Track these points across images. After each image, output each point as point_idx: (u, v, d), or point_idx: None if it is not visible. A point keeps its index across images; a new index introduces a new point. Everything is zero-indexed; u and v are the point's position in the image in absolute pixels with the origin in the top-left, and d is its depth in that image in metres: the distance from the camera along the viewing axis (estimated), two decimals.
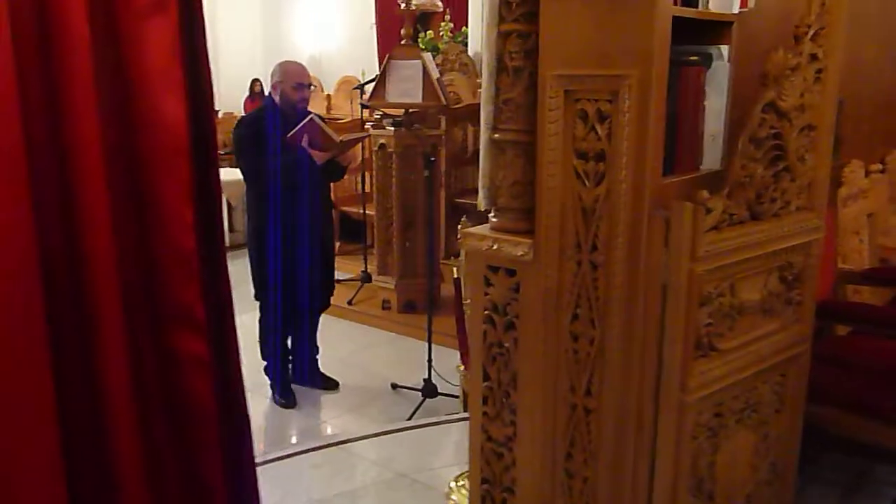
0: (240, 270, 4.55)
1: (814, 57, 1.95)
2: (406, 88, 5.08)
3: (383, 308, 5.48)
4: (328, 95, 10.24)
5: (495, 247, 1.95)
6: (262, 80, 10.22)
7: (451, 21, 7.39)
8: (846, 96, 2.14)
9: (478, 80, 6.20)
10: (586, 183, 1.79)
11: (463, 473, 3.01)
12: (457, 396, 3.89)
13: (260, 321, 4.16)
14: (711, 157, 1.97)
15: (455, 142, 5.96)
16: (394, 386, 4.30)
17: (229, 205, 7.42)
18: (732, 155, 1.82)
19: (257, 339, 4.17)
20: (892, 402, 2.51)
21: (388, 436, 3.68)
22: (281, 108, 3.91)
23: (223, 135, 9.27)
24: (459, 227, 2.62)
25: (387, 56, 5.25)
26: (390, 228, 5.39)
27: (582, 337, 1.86)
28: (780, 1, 2.11)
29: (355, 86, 6.41)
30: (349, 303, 5.54)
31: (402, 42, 5.32)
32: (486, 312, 2.01)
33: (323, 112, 8.91)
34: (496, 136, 1.94)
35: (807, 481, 2.62)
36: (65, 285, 1.38)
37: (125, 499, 1.44)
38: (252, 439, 1.76)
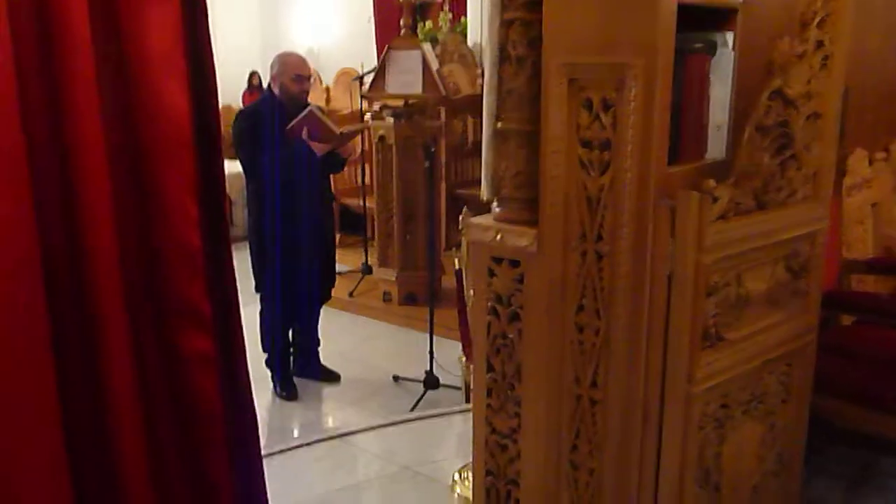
0: (240, 264, 4.53)
1: (820, 44, 1.92)
2: (405, 79, 5.06)
3: (384, 300, 5.47)
4: (327, 88, 10.20)
5: (499, 237, 1.93)
6: (260, 72, 10.17)
7: (450, 11, 7.35)
8: (850, 86, 2.12)
9: (477, 71, 6.17)
10: (591, 172, 1.77)
11: (466, 465, 3.00)
12: (459, 388, 3.88)
13: (261, 314, 4.15)
14: (717, 146, 1.95)
15: (455, 133, 5.94)
16: (395, 378, 4.29)
17: (229, 199, 7.40)
18: (738, 143, 1.80)
19: (258, 331, 4.15)
20: (895, 392, 2.50)
21: (391, 428, 3.67)
22: (280, 100, 3.89)
23: (222, 127, 9.25)
24: (461, 217, 2.61)
25: (386, 47, 5.22)
26: (391, 220, 5.38)
27: (587, 328, 1.85)
28: None
29: (354, 77, 6.38)
30: (350, 295, 5.53)
31: (402, 33, 5.29)
32: (489, 303, 1.99)
33: (322, 104, 8.87)
34: (499, 125, 1.92)
35: (812, 473, 2.61)
36: (67, 283, 1.36)
37: (129, 497, 1.42)
38: (259, 437, 1.75)
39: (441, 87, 5.05)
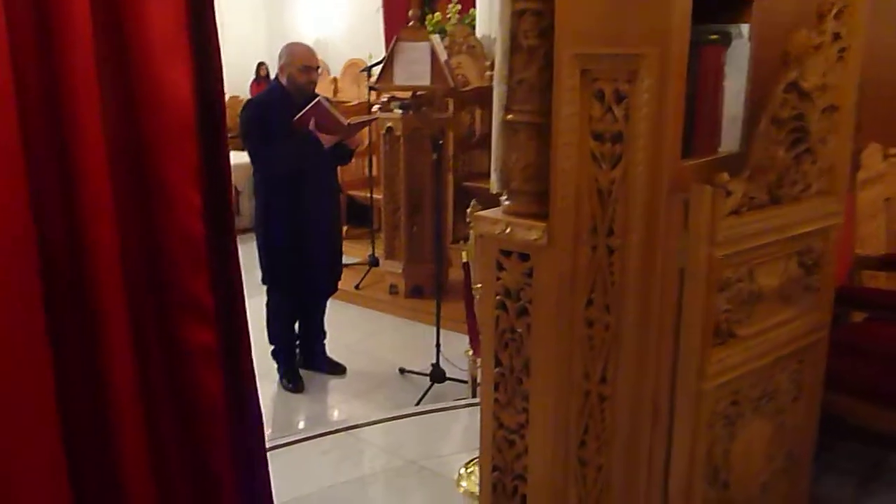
0: (246, 255, 4.52)
1: (837, 36, 1.89)
2: (414, 71, 5.03)
3: (390, 293, 5.45)
4: (334, 79, 10.17)
5: (508, 231, 1.91)
6: (267, 63, 10.16)
7: (458, 3, 7.31)
8: (865, 79, 2.09)
9: (486, 63, 6.14)
10: (602, 165, 1.74)
11: (473, 460, 2.99)
12: (465, 381, 3.86)
13: (267, 305, 4.13)
14: (731, 139, 1.92)
15: (463, 125, 5.91)
16: (401, 371, 4.28)
17: (235, 189, 7.39)
18: (753, 137, 1.77)
19: (264, 323, 4.14)
20: None
21: (397, 421, 3.65)
22: (288, 91, 3.87)
23: (229, 119, 9.24)
24: (469, 210, 2.58)
25: (394, 38, 5.19)
26: (398, 212, 5.35)
27: (597, 323, 1.82)
28: None
29: (362, 68, 6.35)
30: (356, 287, 5.51)
31: (410, 24, 5.26)
32: (498, 297, 1.97)
33: (330, 95, 8.85)
34: (510, 117, 1.89)
35: (822, 470, 2.58)
36: (66, 275, 1.33)
37: (130, 493, 1.40)
38: (264, 432, 1.72)
39: (449, 79, 5.02)
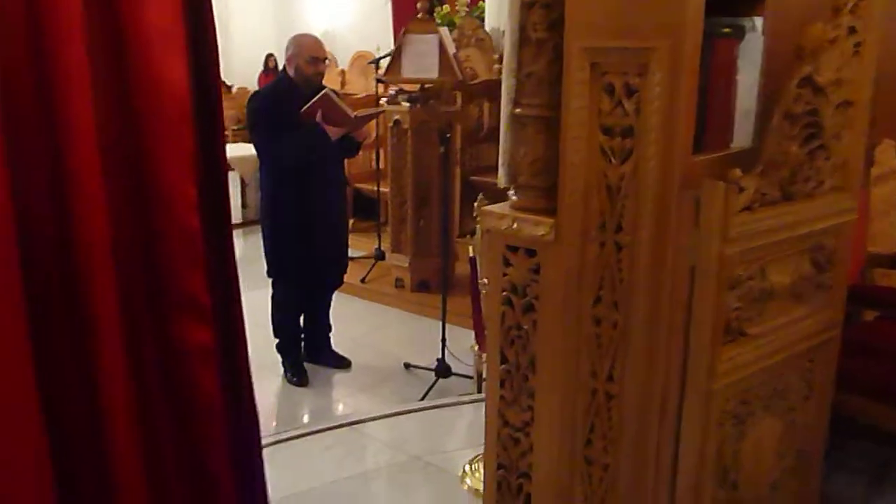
0: (253, 247, 4.52)
1: (852, 30, 1.86)
2: (422, 63, 4.99)
3: (396, 287, 5.43)
4: (342, 71, 10.14)
5: (515, 226, 1.88)
6: (276, 55, 10.14)
7: None
8: (879, 74, 2.05)
9: (494, 56, 6.09)
10: (612, 160, 1.71)
11: (477, 456, 2.97)
12: (471, 377, 3.84)
13: (272, 298, 4.12)
14: (743, 134, 1.88)
15: (471, 118, 5.87)
16: (407, 366, 4.26)
17: (243, 181, 7.39)
18: (766, 132, 1.74)
19: (270, 316, 4.13)
20: None
21: (401, 416, 3.64)
22: (295, 83, 3.84)
23: (237, 110, 9.21)
24: (476, 204, 2.56)
25: (402, 30, 5.15)
26: (404, 206, 5.33)
27: (604, 320, 1.80)
28: None
29: (370, 61, 6.32)
30: (362, 281, 5.49)
31: (418, 16, 5.23)
32: (504, 293, 1.94)
33: (337, 87, 8.82)
34: (518, 111, 1.86)
35: (832, 469, 2.55)
36: (56, 271, 1.28)
37: (124, 495, 1.37)
38: (260, 431, 1.69)
39: (458, 72, 4.98)
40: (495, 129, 1.99)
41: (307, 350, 4.30)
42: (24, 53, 1.22)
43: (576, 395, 1.88)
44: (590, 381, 1.85)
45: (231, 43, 11.82)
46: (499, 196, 2.03)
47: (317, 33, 4.53)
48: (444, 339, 4.04)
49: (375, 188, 6.16)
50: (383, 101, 5.53)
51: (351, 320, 4.83)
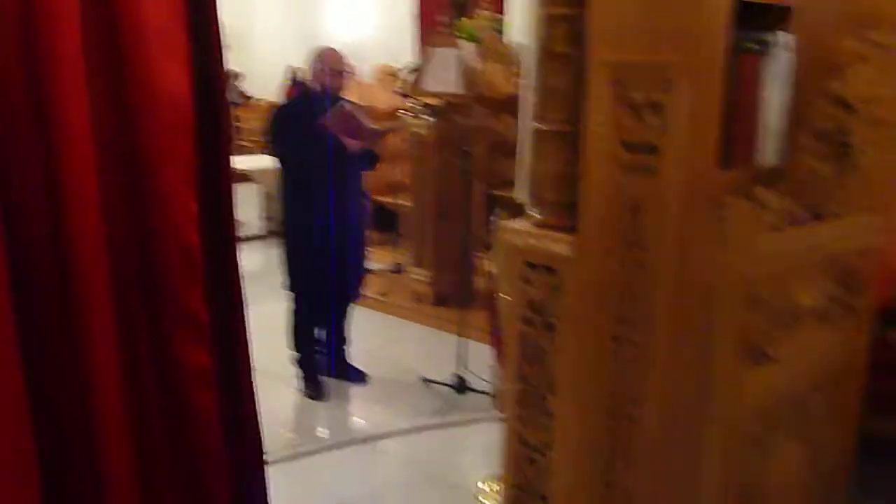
0: (274, 258, 4.52)
1: (883, 46, 1.81)
2: (443, 77, 4.99)
3: (416, 300, 5.40)
4: (364, 83, 10.17)
5: (535, 243, 1.85)
6: (299, 67, 10.19)
7: (490, 9, 7.26)
8: None
9: (515, 70, 6.08)
10: (634, 177, 1.68)
11: (493, 475, 2.92)
12: (489, 394, 3.81)
13: (290, 311, 4.10)
14: (770, 151, 1.84)
15: (492, 132, 5.85)
16: (424, 380, 4.22)
17: (266, 193, 7.41)
18: (793, 149, 1.70)
19: (287, 329, 4.11)
20: None
21: (417, 433, 3.60)
22: (316, 95, 3.85)
23: (260, 122, 9.26)
24: (496, 219, 2.53)
25: (425, 44, 5.15)
26: (424, 219, 5.31)
27: (625, 340, 1.76)
28: None
29: (392, 73, 6.33)
30: (381, 294, 5.47)
31: (440, 30, 5.23)
32: (523, 312, 1.91)
33: (358, 100, 8.85)
34: (538, 125, 1.84)
35: (861, 495, 2.48)
36: (49, 287, 1.23)
37: None
38: (264, 459, 1.64)
39: (479, 86, 4.97)
40: (517, 143, 1.96)
41: (324, 363, 4.28)
42: (17, 50, 1.18)
43: (596, 416, 1.84)
44: (610, 403, 1.81)
45: (255, 54, 11.92)
46: (519, 211, 2.00)
47: (341, 45, 4.54)
48: (462, 355, 4.00)
49: (396, 201, 6.15)
50: (404, 113, 5.52)
51: (369, 333, 4.80)
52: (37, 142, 1.23)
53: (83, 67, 1.21)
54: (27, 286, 1.23)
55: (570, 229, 1.79)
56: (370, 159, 4.05)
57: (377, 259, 5.89)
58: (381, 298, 5.43)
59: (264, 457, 1.68)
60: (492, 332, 2.99)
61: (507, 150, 5.87)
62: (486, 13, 7.03)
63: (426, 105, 5.23)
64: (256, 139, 9.25)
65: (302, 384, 4.14)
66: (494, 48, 6.48)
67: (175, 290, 1.37)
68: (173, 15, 1.27)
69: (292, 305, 4.09)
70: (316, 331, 4.22)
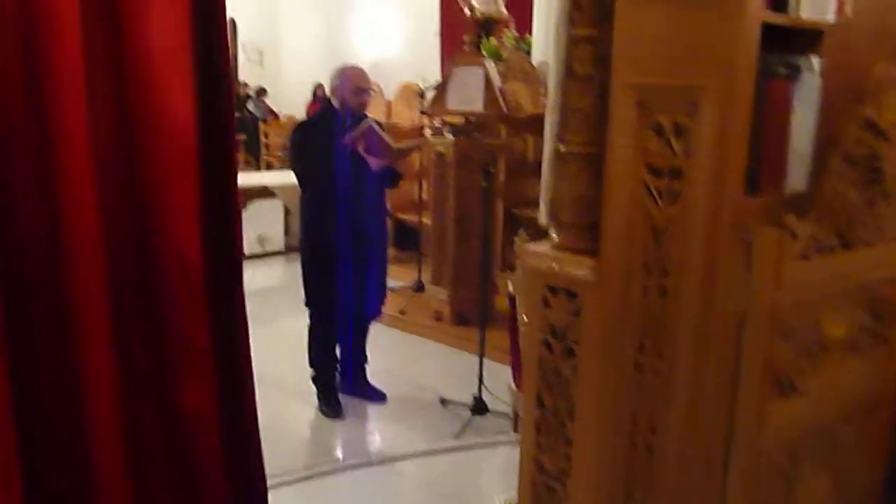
0: (295, 274, 4.51)
1: None
2: (467, 96, 4.98)
3: (435, 319, 5.37)
4: (388, 101, 10.21)
5: (556, 266, 1.82)
6: (324, 84, 10.26)
7: (515, 29, 7.26)
8: None
9: (541, 90, 6.06)
10: (658, 201, 1.65)
11: (511, 500, 2.87)
12: (508, 415, 3.75)
13: (309, 328, 4.09)
14: (798, 177, 1.80)
15: (515, 151, 5.83)
16: (443, 401, 4.18)
17: (286, 209, 7.43)
18: (823, 175, 1.66)
19: (306, 345, 4.09)
20: None
21: (434, 455, 3.56)
22: (339, 113, 3.85)
23: (284, 138, 9.33)
24: (516, 240, 2.50)
25: (449, 62, 5.15)
26: (445, 237, 5.28)
27: (647, 368, 1.72)
28: (878, 11, 1.93)
29: (417, 91, 6.34)
30: (401, 312, 5.44)
31: (465, 48, 5.22)
32: (543, 336, 1.88)
33: (383, 118, 8.88)
34: (561, 147, 1.81)
35: None
36: (48, 306, 1.21)
37: None
38: (266, 481, 1.60)
39: (503, 105, 4.95)
40: (540, 163, 1.94)
41: (342, 381, 4.25)
42: (17, 81, 1.17)
43: (615, 445, 1.80)
44: (631, 432, 1.77)
45: (281, 71, 12.03)
46: (541, 231, 1.97)
47: (366, 63, 4.56)
48: (481, 376, 3.96)
49: (417, 219, 6.14)
50: (427, 132, 5.52)
51: (388, 351, 4.77)
52: (37, 164, 1.21)
53: (83, 89, 1.19)
54: (25, 298, 1.21)
55: (592, 253, 1.76)
56: (392, 177, 4.04)
57: (398, 277, 5.87)
58: (401, 316, 5.41)
59: (265, 471, 1.65)
60: (511, 352, 2.96)
61: (529, 169, 5.86)
62: (512, 32, 7.04)
63: (447, 123, 5.22)
64: (282, 155, 9.31)
65: (319, 402, 4.12)
66: (520, 67, 6.47)
67: (176, 312, 1.34)
68: (179, 35, 1.26)
69: (311, 322, 4.08)
70: (336, 348, 4.20)
